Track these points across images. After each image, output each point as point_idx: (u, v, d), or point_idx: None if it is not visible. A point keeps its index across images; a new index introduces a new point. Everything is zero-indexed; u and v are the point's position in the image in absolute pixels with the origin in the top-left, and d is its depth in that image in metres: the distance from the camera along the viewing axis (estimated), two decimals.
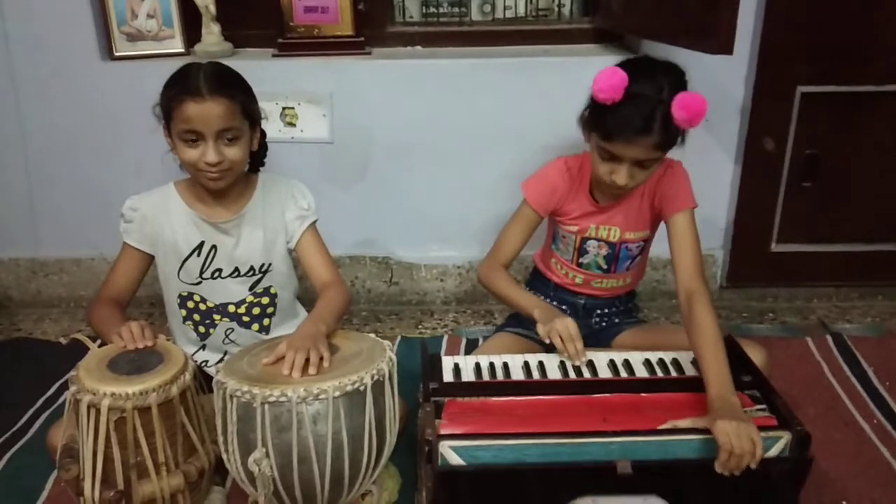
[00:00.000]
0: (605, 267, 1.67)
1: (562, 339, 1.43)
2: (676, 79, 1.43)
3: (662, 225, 1.61)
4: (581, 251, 1.66)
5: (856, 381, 1.83)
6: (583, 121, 1.52)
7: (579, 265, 1.68)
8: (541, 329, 1.47)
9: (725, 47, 1.59)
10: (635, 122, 1.39)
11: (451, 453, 1.17)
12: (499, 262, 1.65)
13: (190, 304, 1.55)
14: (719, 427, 1.15)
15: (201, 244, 1.51)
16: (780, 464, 1.19)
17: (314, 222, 1.57)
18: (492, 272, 1.65)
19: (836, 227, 2.23)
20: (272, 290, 1.57)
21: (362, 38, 2.09)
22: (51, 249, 2.25)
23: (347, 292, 1.51)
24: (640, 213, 1.60)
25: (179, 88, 1.36)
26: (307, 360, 1.21)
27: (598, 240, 1.63)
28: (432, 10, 2.21)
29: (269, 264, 1.55)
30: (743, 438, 1.13)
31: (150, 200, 1.51)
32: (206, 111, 1.35)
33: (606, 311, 1.73)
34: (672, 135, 1.43)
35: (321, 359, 1.22)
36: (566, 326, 1.44)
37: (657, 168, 1.50)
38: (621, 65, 1.44)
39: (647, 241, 1.68)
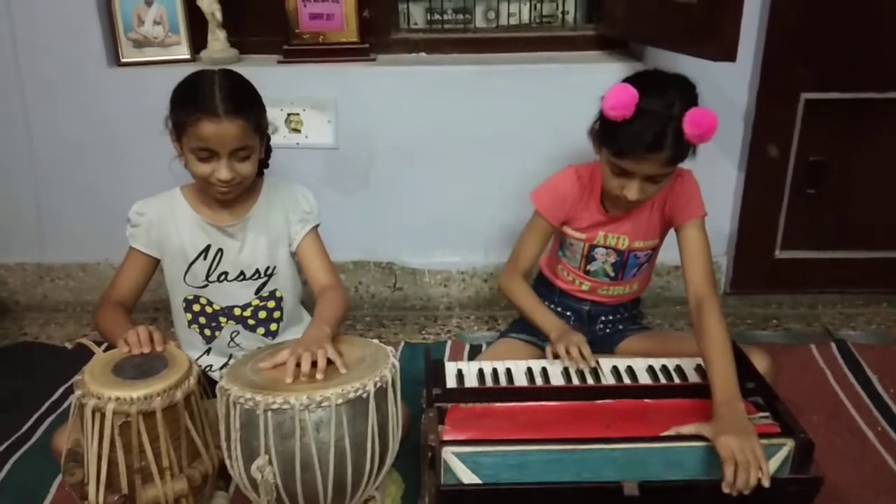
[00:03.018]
0: (612, 274, 1.67)
1: (568, 353, 1.44)
2: (687, 93, 1.43)
3: (669, 232, 1.61)
4: (589, 258, 1.66)
5: (860, 389, 1.83)
6: (593, 134, 1.52)
7: (586, 272, 1.68)
8: (548, 349, 1.48)
9: (728, 54, 1.60)
10: (647, 138, 1.39)
11: (453, 459, 1.17)
12: (518, 271, 1.67)
13: (196, 308, 1.55)
14: (721, 441, 1.14)
15: (207, 247, 1.52)
16: (790, 484, 1.19)
17: (316, 226, 1.58)
18: (513, 283, 1.67)
19: (840, 233, 2.23)
20: (277, 294, 1.58)
21: (367, 45, 2.10)
22: (57, 254, 2.26)
23: (347, 296, 1.52)
24: (650, 223, 1.60)
25: (195, 106, 1.35)
26: (315, 366, 1.22)
27: (607, 248, 1.63)
28: (437, 17, 2.22)
29: (274, 267, 1.56)
30: (747, 452, 1.13)
31: (156, 205, 1.52)
32: (223, 132, 1.35)
33: (611, 317, 1.73)
34: (683, 150, 1.43)
35: (332, 362, 1.23)
36: (577, 343, 1.45)
37: (668, 181, 1.51)
38: (631, 79, 1.45)
39: (655, 250, 1.68)
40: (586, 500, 1.18)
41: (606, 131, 1.46)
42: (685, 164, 1.51)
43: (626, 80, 1.45)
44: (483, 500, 1.19)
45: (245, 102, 1.40)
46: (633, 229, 1.61)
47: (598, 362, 1.46)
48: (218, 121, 1.34)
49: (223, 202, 1.50)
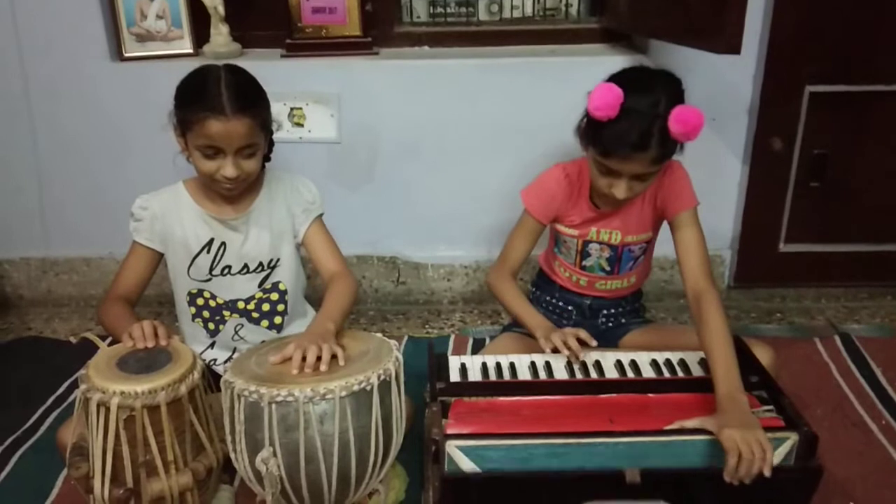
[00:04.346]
0: (608, 269, 1.67)
1: (565, 343, 1.43)
2: (673, 91, 1.41)
3: (664, 224, 1.61)
4: (583, 254, 1.66)
5: (864, 382, 1.83)
6: (580, 132, 1.52)
7: (582, 268, 1.68)
8: (541, 343, 1.46)
9: (733, 47, 1.59)
10: (632, 138, 1.38)
11: (457, 453, 1.17)
12: (507, 270, 1.65)
13: (199, 302, 1.56)
14: (725, 434, 1.14)
15: (211, 241, 1.52)
16: (791, 473, 1.19)
17: (320, 215, 1.58)
18: (500, 282, 1.65)
19: (844, 227, 2.22)
20: (281, 286, 1.58)
21: (370, 39, 2.10)
22: (61, 249, 2.27)
23: (355, 283, 1.52)
24: (641, 216, 1.60)
25: (202, 104, 1.34)
26: (318, 359, 1.22)
27: (600, 243, 1.63)
28: (440, 10, 2.22)
29: (278, 259, 1.56)
30: (752, 444, 1.12)
31: (159, 199, 1.52)
32: (230, 130, 1.35)
33: (613, 311, 1.73)
34: (670, 148, 1.42)
35: (335, 356, 1.24)
36: (563, 332, 1.44)
37: (656, 177, 1.50)
38: (617, 77, 1.44)
39: (650, 242, 1.68)
40: (588, 489, 1.18)
41: (592, 131, 1.45)
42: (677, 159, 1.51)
43: (611, 78, 1.44)
44: (486, 488, 1.19)
45: (252, 101, 1.40)
46: (625, 224, 1.60)
47: (594, 355, 1.46)
48: (225, 119, 1.34)
49: (227, 197, 1.50)
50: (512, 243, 1.67)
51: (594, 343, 1.44)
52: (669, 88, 1.41)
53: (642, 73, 1.47)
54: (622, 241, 1.62)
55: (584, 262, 1.67)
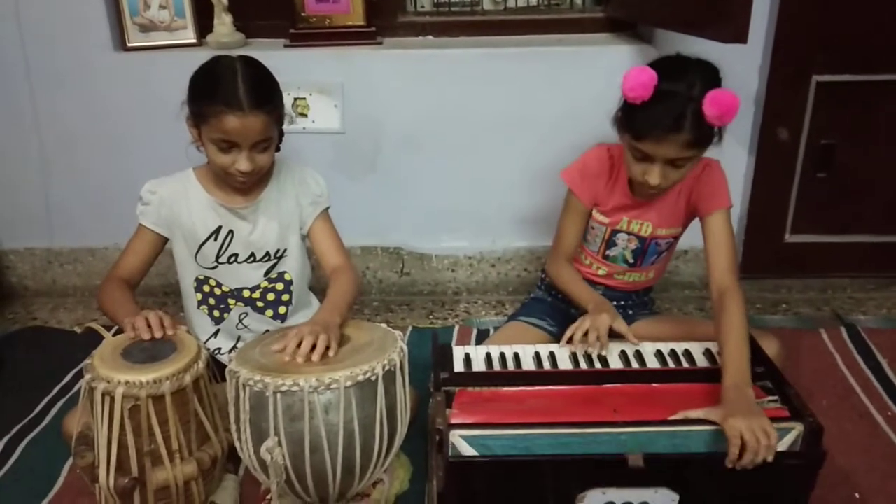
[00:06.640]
0: (631, 261, 1.66)
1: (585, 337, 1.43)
2: (709, 76, 1.42)
3: (698, 220, 1.60)
4: (609, 244, 1.65)
5: (870, 373, 1.82)
6: (616, 121, 1.52)
7: (605, 257, 1.67)
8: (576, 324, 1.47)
9: (740, 36, 1.58)
10: (665, 120, 1.38)
11: (461, 442, 1.17)
12: (562, 256, 1.67)
13: (205, 289, 1.56)
14: (730, 423, 1.14)
15: (218, 229, 1.52)
16: (793, 458, 1.18)
17: (327, 209, 1.58)
18: (558, 268, 1.67)
19: (850, 217, 2.21)
20: (286, 276, 1.58)
21: (374, 29, 2.09)
22: (65, 239, 2.27)
23: (358, 277, 1.52)
24: (675, 210, 1.60)
25: (218, 98, 1.34)
26: (314, 347, 1.22)
27: (629, 233, 1.63)
28: None
29: (284, 250, 1.56)
30: (757, 431, 1.12)
31: (169, 184, 1.53)
32: (247, 125, 1.35)
33: (622, 303, 1.73)
34: (705, 133, 1.41)
35: (327, 348, 1.24)
36: (595, 326, 1.44)
37: (692, 167, 1.49)
38: (653, 64, 1.44)
39: (677, 238, 1.67)
40: (591, 474, 1.17)
41: (627, 115, 1.46)
42: (712, 154, 1.50)
43: (648, 64, 1.45)
44: (490, 472, 1.19)
45: (269, 96, 1.40)
46: (658, 216, 1.60)
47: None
48: (242, 115, 1.34)
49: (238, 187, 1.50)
50: (562, 230, 1.67)
51: (604, 345, 1.44)
52: (705, 73, 1.42)
53: (678, 59, 1.48)
54: (652, 233, 1.61)
55: (608, 252, 1.67)
